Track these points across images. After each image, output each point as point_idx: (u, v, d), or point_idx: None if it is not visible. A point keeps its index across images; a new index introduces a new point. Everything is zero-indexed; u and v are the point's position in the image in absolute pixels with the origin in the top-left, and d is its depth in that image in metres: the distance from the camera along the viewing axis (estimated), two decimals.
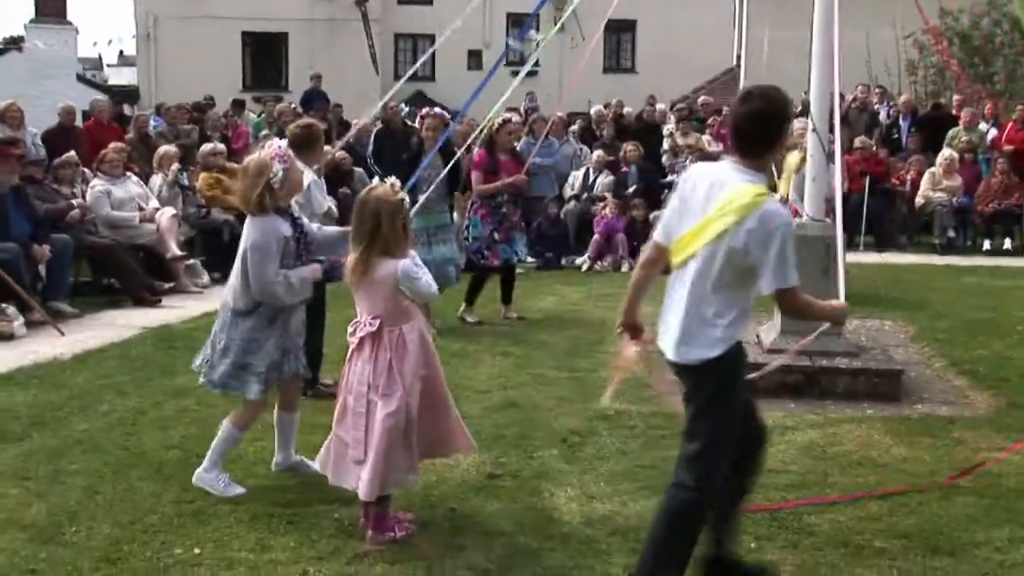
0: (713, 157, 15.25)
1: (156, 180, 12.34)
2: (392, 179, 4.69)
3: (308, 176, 6.64)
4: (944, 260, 13.82)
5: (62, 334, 8.94)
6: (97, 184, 11.29)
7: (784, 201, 4.12)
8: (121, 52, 46.99)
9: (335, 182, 12.16)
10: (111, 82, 38.26)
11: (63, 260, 10.06)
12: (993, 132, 16.20)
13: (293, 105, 18.14)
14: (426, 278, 4.59)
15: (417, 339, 4.59)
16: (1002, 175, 14.70)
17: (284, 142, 5.29)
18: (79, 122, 15.08)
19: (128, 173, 11.82)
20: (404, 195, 4.62)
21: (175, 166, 12.42)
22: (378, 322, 4.55)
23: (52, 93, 21.00)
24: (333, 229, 5.65)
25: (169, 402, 6.83)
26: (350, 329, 4.68)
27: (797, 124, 10.88)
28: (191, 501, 5.05)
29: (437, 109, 9.63)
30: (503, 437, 6.07)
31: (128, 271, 10.72)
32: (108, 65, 47.45)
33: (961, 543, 4.60)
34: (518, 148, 12.53)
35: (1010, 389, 7.24)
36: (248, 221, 5.12)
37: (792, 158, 6.95)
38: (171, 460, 5.67)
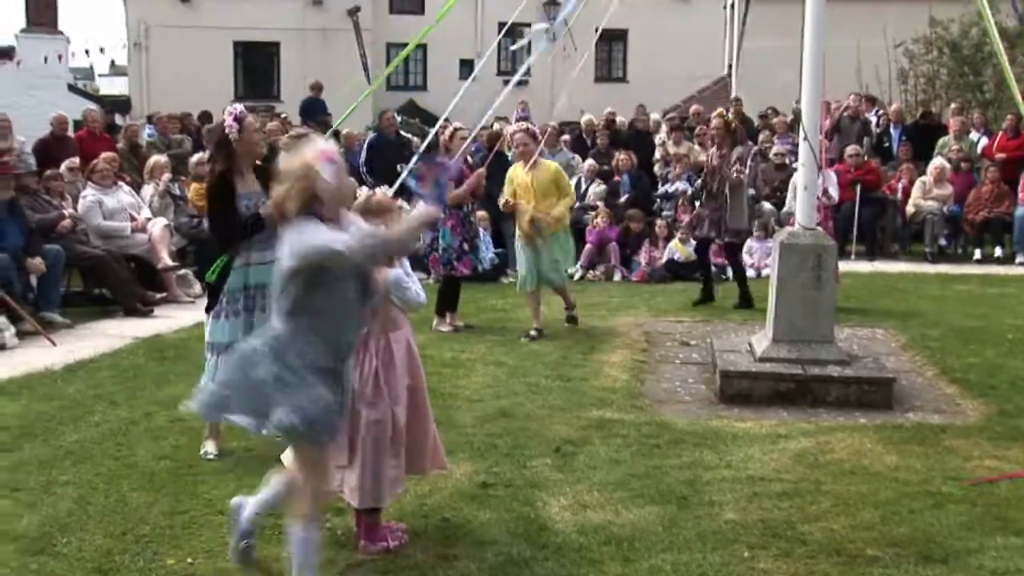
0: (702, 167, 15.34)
1: (148, 190, 12.33)
2: (384, 188, 4.69)
3: None
4: (935, 268, 13.85)
5: (54, 344, 8.92)
6: (89, 194, 11.27)
7: None
8: (112, 62, 47.01)
9: None
10: (102, 92, 38.22)
11: (55, 270, 10.04)
12: (984, 141, 16.26)
13: (284, 115, 18.12)
14: (415, 287, 4.59)
15: (404, 348, 4.59)
16: (992, 184, 14.73)
17: (332, 143, 4.28)
18: (71, 132, 15.04)
19: (120, 183, 11.81)
20: (402, 203, 4.63)
21: (166, 176, 12.41)
22: (365, 330, 4.54)
23: (43, 103, 20.95)
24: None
25: (160, 412, 6.81)
26: None
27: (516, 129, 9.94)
28: (183, 511, 5.04)
29: None
30: (496, 447, 6.06)
31: (120, 281, 10.69)
32: (100, 75, 47.39)
33: (954, 551, 4.60)
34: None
35: (1000, 397, 7.25)
36: (286, 229, 4.04)
37: None
38: (163, 470, 5.66)
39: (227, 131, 5.89)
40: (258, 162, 6.04)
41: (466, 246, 9.55)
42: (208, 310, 5.98)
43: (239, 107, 6.04)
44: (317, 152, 3.99)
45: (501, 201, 9.56)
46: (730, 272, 12.98)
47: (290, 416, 3.83)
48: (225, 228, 5.89)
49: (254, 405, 3.92)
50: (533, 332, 9.26)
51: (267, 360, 3.89)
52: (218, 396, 4.04)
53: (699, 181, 11.18)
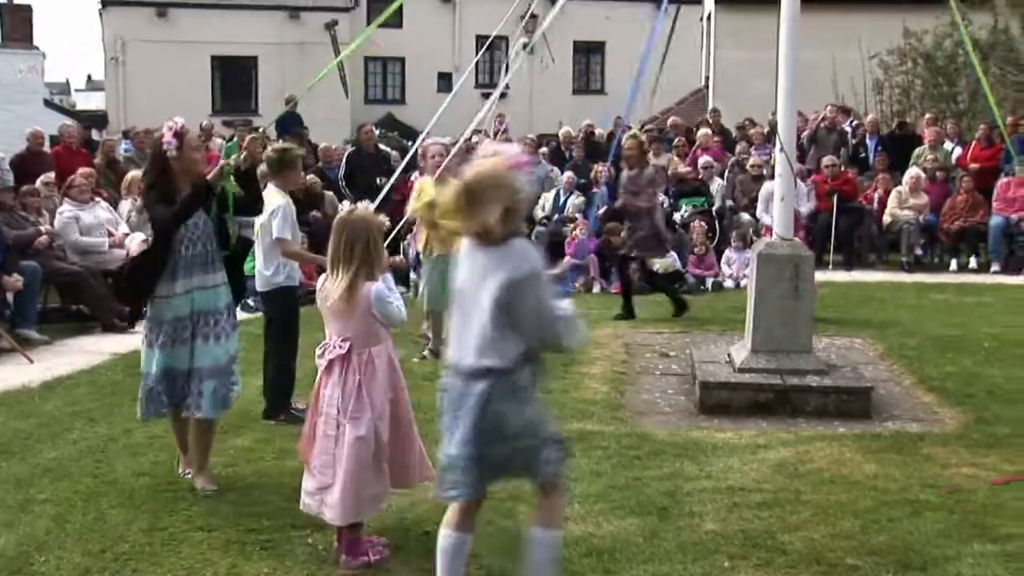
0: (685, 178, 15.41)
1: (125, 205, 12.26)
2: (365, 202, 4.70)
3: (280, 200, 6.66)
4: (912, 278, 13.93)
5: (31, 361, 8.86)
6: (66, 210, 11.21)
7: None
8: (89, 76, 46.87)
9: (307, 206, 12.14)
10: (79, 107, 38.07)
11: (31, 287, 9.98)
12: (958, 151, 16.40)
13: (262, 129, 18.09)
14: (397, 303, 4.59)
15: (385, 362, 4.59)
16: (967, 193, 14.85)
17: (517, 146, 3.81)
18: (47, 147, 14.97)
19: (97, 198, 11.75)
20: (385, 217, 4.65)
21: None
22: (348, 344, 4.54)
23: (20, 118, 20.83)
24: None
25: (139, 429, 6.76)
26: (318, 351, 4.67)
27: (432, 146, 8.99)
28: (163, 528, 5.01)
29: None
30: None
31: (97, 297, 10.64)
32: (76, 90, 47.24)
33: (932, 559, 4.63)
34: None
35: (977, 405, 7.30)
36: (487, 251, 3.64)
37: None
38: (142, 487, 5.63)
39: (165, 147, 5.42)
40: (244, 177, 5.88)
41: None
42: (140, 330, 5.68)
43: (180, 121, 5.50)
44: (509, 160, 3.62)
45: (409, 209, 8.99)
46: (709, 283, 13.07)
47: (555, 453, 3.93)
48: (173, 210, 5.40)
49: (516, 463, 3.88)
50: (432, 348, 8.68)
51: (515, 406, 3.73)
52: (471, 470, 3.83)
53: (618, 202, 11.28)
